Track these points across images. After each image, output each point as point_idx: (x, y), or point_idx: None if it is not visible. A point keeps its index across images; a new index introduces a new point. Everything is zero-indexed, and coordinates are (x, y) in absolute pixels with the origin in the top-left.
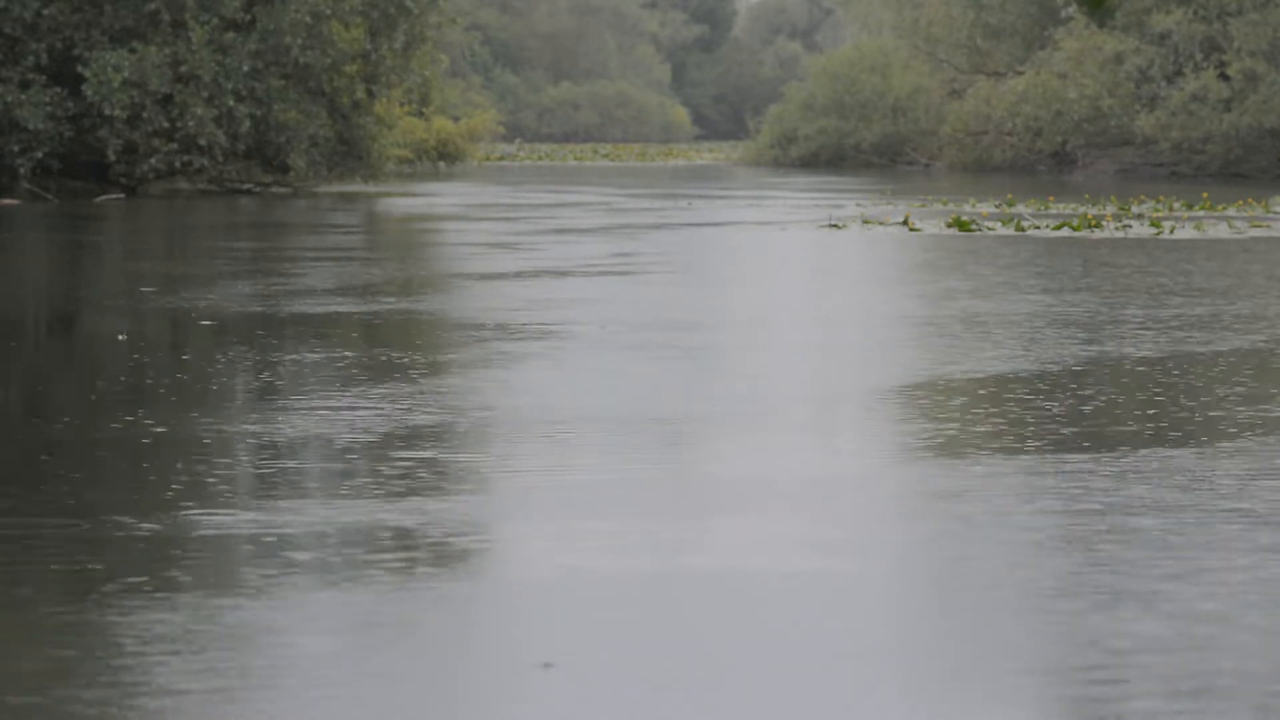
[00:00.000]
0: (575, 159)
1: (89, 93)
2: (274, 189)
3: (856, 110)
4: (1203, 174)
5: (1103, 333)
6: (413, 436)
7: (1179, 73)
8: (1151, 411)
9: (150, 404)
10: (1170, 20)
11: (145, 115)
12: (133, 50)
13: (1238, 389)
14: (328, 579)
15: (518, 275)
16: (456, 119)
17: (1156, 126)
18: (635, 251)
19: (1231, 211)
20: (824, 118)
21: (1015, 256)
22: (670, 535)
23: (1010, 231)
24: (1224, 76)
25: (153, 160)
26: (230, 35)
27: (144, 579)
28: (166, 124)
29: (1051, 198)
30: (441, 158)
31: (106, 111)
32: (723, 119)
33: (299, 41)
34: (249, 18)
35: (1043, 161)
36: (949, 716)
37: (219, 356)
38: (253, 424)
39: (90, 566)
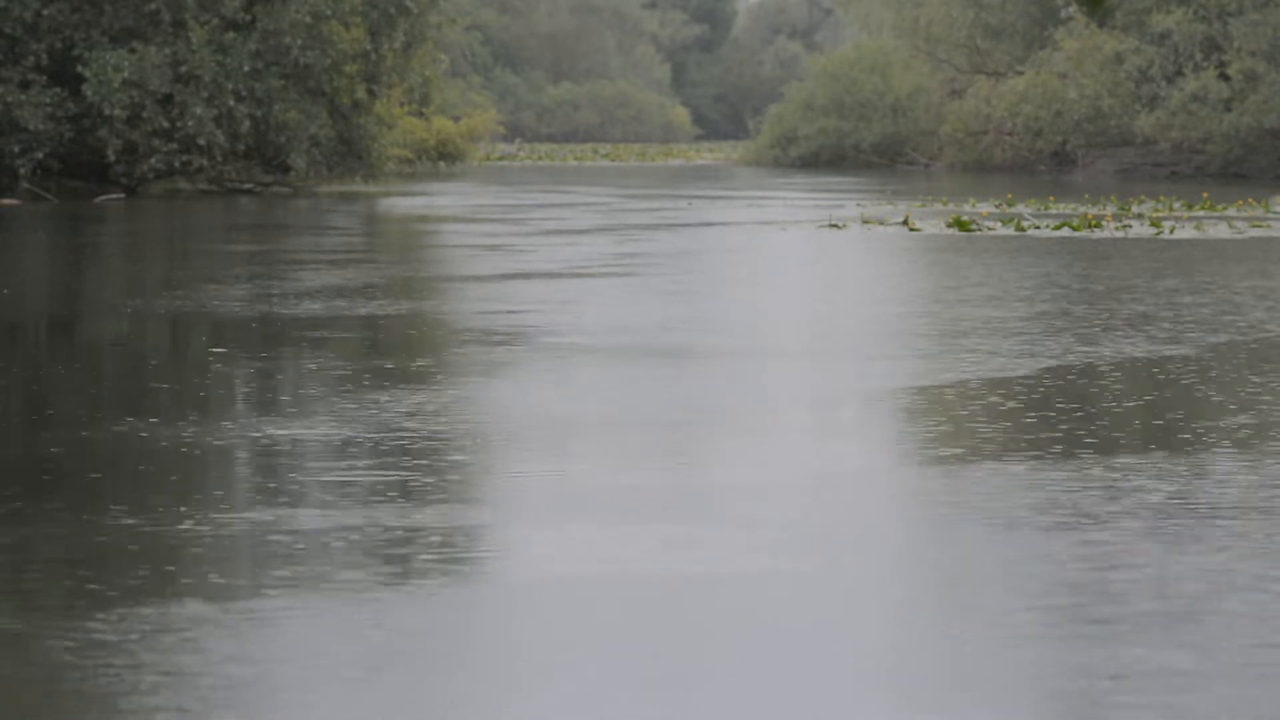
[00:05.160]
0: (575, 159)
1: (89, 93)
2: (274, 189)
3: (856, 110)
4: (1203, 174)
5: (1105, 333)
6: (410, 439)
7: (1179, 73)
8: (1153, 413)
9: (146, 407)
10: (1170, 20)
11: (145, 115)
12: (133, 50)
13: (1240, 392)
14: (325, 582)
15: (516, 277)
16: (456, 119)
17: (1156, 126)
18: (634, 253)
19: (1231, 211)
20: (824, 118)
21: (1015, 256)
22: (667, 539)
23: (1010, 231)
24: (1224, 76)
25: (153, 160)
26: (230, 35)
27: (144, 581)
28: (166, 124)
29: (1051, 198)
30: (441, 158)
31: (106, 111)
32: (723, 119)
33: (299, 41)
34: (249, 18)
35: (1043, 161)
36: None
37: (216, 360)
38: (250, 427)
39: (90, 567)
